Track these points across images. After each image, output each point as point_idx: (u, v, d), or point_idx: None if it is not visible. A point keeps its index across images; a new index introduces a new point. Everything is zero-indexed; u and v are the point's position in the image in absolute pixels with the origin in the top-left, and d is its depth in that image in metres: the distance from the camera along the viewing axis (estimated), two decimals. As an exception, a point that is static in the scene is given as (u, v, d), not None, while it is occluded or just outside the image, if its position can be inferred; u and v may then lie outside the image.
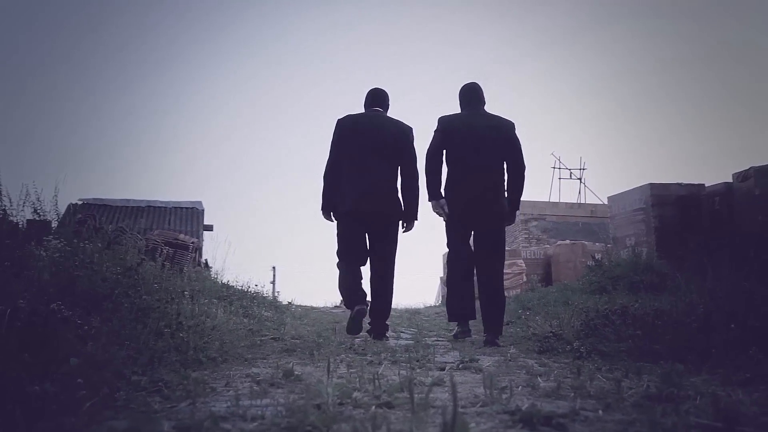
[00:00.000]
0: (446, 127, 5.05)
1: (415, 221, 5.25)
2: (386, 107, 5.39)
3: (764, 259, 4.57)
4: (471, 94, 5.23)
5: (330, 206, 5.17)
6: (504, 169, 5.07)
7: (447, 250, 5.26)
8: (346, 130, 5.15)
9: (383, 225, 5.10)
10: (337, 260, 5.09)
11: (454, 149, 5.01)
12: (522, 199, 5.18)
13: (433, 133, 5.10)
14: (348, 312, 5.04)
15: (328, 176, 5.17)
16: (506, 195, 5.08)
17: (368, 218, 5.03)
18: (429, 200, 5.03)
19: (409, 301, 20.27)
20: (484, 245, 4.98)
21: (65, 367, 2.00)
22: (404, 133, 5.21)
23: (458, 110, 5.23)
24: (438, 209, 4.98)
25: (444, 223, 5.10)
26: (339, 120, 5.21)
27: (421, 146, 5.14)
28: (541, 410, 1.49)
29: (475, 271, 4.98)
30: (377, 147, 5.07)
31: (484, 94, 5.25)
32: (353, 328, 4.80)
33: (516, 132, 5.12)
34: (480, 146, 4.93)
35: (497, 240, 5.01)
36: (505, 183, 5.07)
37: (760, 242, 5.82)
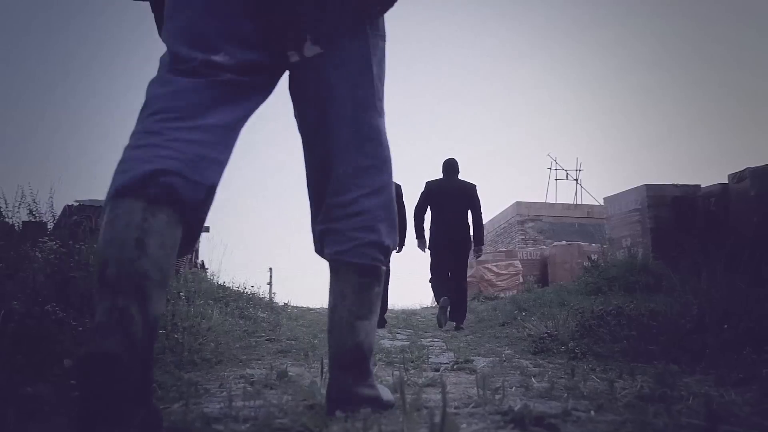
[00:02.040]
0: (430, 189, 7.51)
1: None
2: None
3: (759, 260, 4.58)
4: (449, 167, 7.57)
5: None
6: (468, 216, 7.46)
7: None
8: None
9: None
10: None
11: (435, 204, 7.46)
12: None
13: (420, 194, 7.56)
14: None
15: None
16: (471, 233, 7.49)
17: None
18: (416, 238, 7.57)
19: (405, 303, 20.30)
20: (455, 265, 7.42)
21: (59, 369, 2.00)
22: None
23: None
24: (421, 246, 7.61)
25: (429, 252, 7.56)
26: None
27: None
28: (533, 411, 1.49)
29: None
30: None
31: (458, 164, 7.59)
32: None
33: (477, 191, 7.54)
34: (451, 202, 7.36)
35: (463, 262, 7.55)
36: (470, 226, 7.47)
37: (755, 243, 5.84)
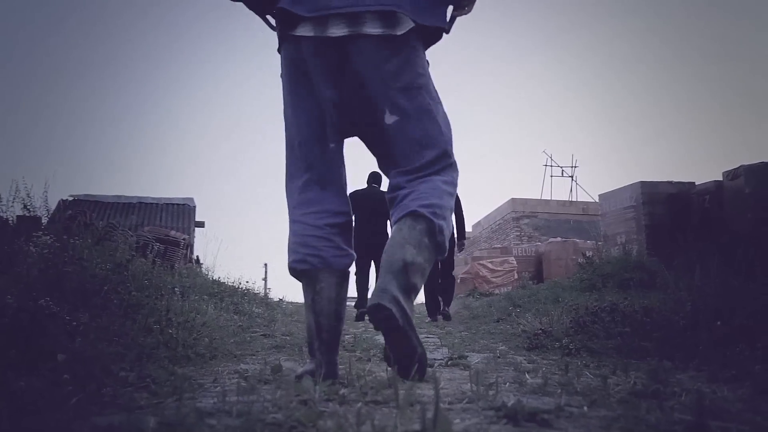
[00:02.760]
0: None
1: None
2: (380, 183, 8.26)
3: (752, 257, 4.60)
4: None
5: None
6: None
7: None
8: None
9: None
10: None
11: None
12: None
13: None
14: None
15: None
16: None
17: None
18: None
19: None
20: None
21: (52, 363, 2.00)
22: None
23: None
24: None
25: None
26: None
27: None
28: (526, 406, 1.49)
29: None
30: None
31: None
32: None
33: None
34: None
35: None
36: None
37: (748, 240, 5.86)
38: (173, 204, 22.73)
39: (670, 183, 8.28)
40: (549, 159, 25.95)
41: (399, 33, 2.13)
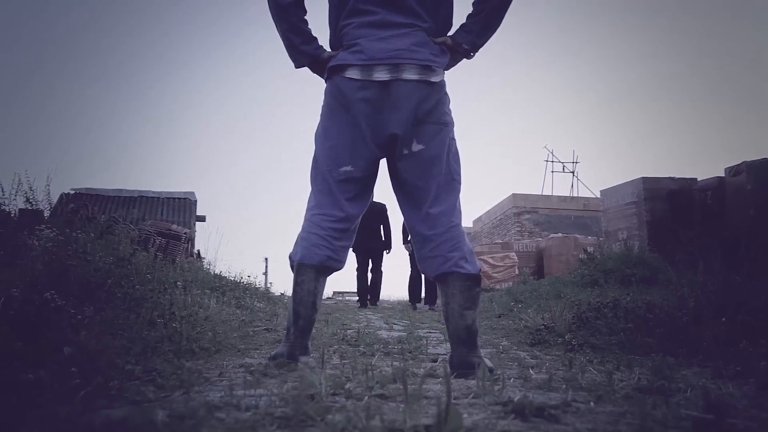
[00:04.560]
0: None
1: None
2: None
3: (755, 253, 4.60)
4: None
5: None
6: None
7: None
8: None
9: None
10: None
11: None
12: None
13: None
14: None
15: None
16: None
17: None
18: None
19: (402, 294, 20.27)
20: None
21: (59, 356, 2.00)
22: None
23: None
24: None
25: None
26: None
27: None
28: (534, 401, 1.49)
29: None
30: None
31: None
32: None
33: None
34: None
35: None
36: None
37: (750, 236, 5.86)
38: (174, 198, 22.71)
39: (671, 179, 8.28)
40: (550, 154, 25.97)
41: (434, 80, 2.50)
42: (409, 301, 10.18)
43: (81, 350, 2.09)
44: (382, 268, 10.23)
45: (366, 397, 1.65)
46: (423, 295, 10.06)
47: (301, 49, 2.66)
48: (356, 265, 10.09)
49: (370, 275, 10.14)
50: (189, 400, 1.55)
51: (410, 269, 10.13)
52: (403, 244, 9.98)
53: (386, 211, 10.05)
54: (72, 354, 2.03)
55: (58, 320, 2.32)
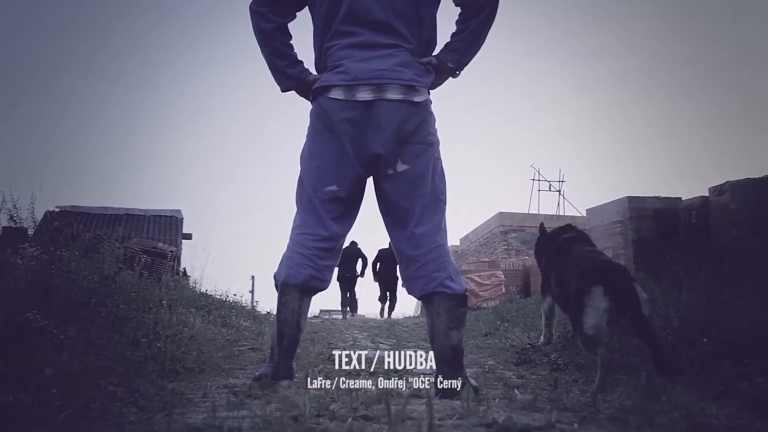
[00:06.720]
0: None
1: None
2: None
3: (738, 273, 4.62)
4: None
5: None
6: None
7: None
8: None
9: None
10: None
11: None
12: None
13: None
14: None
15: None
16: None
17: None
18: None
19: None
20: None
21: (40, 378, 1.98)
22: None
23: None
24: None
25: None
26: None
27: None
28: (517, 423, 1.49)
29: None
30: None
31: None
32: None
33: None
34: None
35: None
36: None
37: (734, 255, 5.89)
38: (160, 216, 22.54)
39: (656, 198, 8.32)
40: (536, 173, 26.04)
41: (417, 100, 2.52)
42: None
43: (63, 371, 2.07)
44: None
45: (350, 419, 1.64)
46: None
47: (285, 72, 2.69)
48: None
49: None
50: (171, 423, 1.54)
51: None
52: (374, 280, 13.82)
53: (361, 250, 13.65)
54: (53, 375, 2.01)
55: (39, 340, 2.29)
